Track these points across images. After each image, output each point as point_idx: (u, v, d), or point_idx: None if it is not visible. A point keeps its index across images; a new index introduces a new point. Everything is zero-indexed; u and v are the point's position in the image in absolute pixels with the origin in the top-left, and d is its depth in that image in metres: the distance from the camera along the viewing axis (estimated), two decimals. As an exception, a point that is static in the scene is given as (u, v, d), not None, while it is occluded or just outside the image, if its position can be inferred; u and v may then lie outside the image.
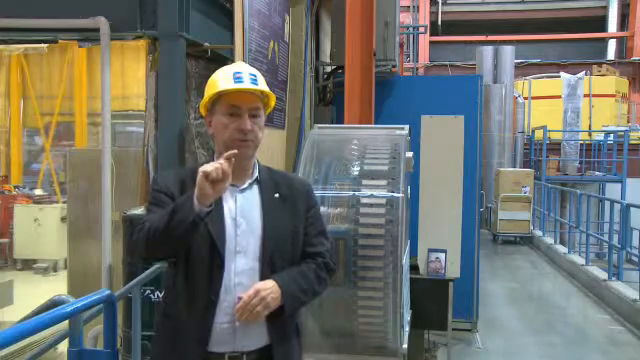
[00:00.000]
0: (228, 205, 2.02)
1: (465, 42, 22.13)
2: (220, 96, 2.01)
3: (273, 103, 2.13)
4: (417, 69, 18.32)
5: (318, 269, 2.09)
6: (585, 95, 17.06)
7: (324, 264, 2.12)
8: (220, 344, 1.97)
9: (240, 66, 2.10)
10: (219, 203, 1.99)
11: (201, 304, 1.96)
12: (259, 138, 2.06)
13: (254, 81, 2.03)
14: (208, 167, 1.79)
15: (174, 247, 1.93)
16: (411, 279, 4.49)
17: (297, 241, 2.09)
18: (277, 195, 2.09)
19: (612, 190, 14.77)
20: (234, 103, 2.00)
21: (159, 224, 1.86)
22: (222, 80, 2.01)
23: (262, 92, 2.06)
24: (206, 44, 3.97)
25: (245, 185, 2.06)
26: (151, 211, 2.00)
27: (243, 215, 2.02)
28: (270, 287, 1.94)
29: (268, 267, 2.00)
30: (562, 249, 11.22)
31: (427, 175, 5.03)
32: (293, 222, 2.09)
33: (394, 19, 6.48)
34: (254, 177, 2.09)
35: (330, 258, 2.15)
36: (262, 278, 1.98)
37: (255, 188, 2.08)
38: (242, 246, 2.00)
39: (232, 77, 2.01)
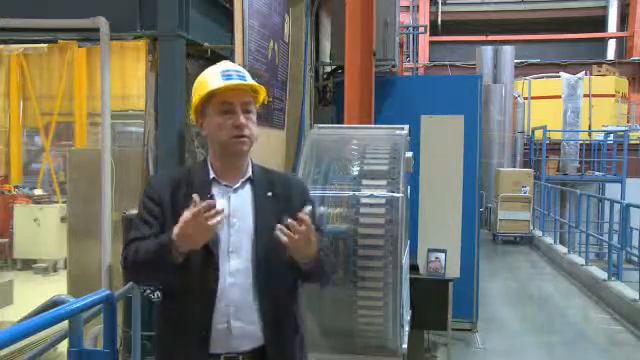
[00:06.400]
0: (221, 205, 1.99)
1: (465, 42, 22.11)
2: (210, 96, 2.00)
3: (262, 97, 2.11)
4: (417, 69, 18.29)
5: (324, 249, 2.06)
6: (585, 95, 17.06)
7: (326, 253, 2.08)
8: (217, 345, 1.97)
9: (226, 64, 2.09)
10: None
11: (198, 306, 1.95)
12: (255, 134, 2.05)
13: (242, 77, 2.03)
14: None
15: (160, 280, 2.07)
16: (411, 279, 4.49)
17: None
18: (270, 194, 2.07)
19: (612, 190, 14.76)
20: (226, 100, 2.00)
21: (144, 258, 1.90)
22: (211, 80, 2.01)
23: (252, 87, 2.05)
24: (206, 44, 3.97)
25: (238, 184, 2.05)
26: (138, 224, 2.01)
27: (236, 215, 2.01)
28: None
29: (262, 266, 1.98)
30: (562, 249, 11.21)
31: (427, 175, 5.03)
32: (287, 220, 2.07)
33: (394, 19, 6.49)
34: (247, 176, 2.07)
35: (330, 252, 2.12)
36: (256, 278, 1.97)
37: (248, 187, 2.07)
38: (235, 246, 1.98)
39: (220, 75, 2.00)
